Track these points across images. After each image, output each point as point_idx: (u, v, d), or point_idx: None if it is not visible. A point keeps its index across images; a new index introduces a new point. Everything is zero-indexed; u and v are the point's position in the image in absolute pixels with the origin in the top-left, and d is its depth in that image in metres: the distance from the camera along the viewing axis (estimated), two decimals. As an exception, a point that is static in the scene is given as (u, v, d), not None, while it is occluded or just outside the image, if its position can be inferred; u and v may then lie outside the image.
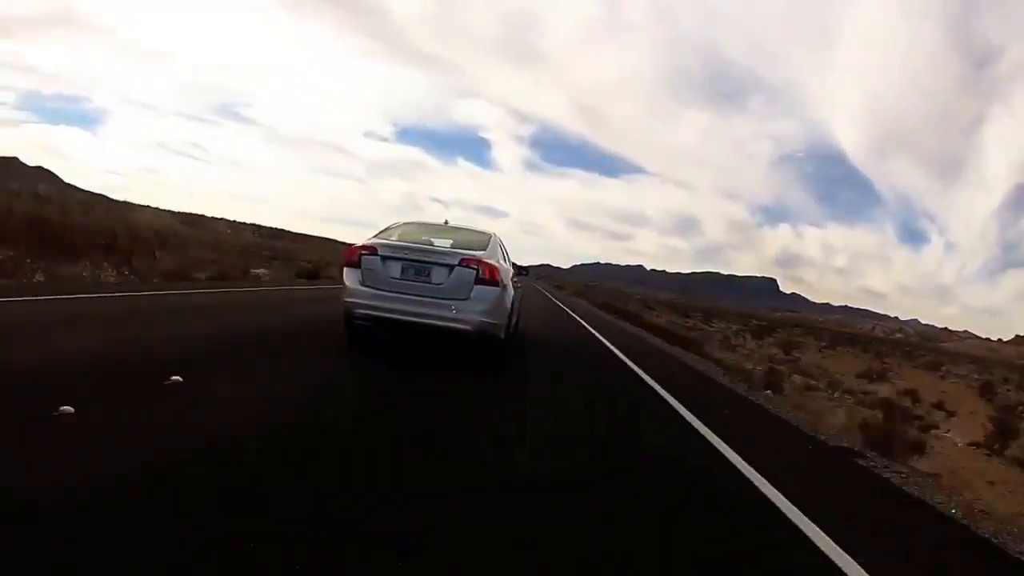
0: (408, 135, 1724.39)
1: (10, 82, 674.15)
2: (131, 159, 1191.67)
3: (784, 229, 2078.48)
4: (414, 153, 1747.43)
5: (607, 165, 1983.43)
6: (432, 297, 5.43)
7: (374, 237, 5.99)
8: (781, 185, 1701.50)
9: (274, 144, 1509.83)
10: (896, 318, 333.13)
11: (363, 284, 5.53)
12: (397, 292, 5.44)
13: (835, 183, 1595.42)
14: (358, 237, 6.44)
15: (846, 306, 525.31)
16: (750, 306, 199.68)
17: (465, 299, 5.43)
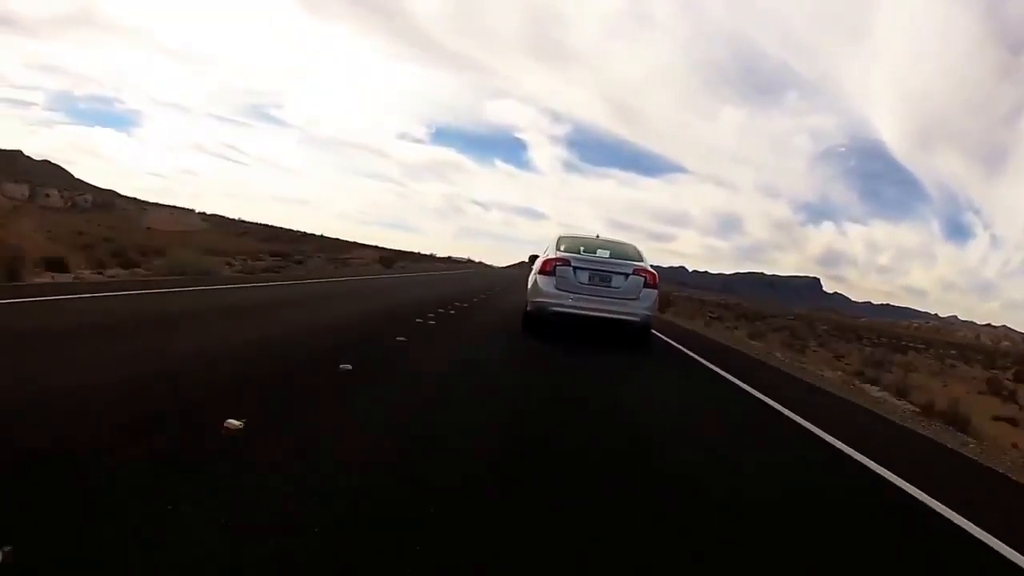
0: (442, 136, 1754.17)
1: (40, 82, 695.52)
2: (170, 161, 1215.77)
3: (827, 227, 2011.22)
4: (450, 154, 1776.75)
5: (645, 164, 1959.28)
6: (613, 297, 7.29)
7: (557, 251, 7.71)
8: (823, 181, 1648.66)
9: (311, 147, 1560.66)
10: (936, 315, 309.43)
11: (557, 288, 7.27)
12: (586, 294, 7.24)
13: (878, 178, 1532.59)
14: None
15: (887, 304, 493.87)
16: (795, 306, 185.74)
17: (635, 299, 7.34)
